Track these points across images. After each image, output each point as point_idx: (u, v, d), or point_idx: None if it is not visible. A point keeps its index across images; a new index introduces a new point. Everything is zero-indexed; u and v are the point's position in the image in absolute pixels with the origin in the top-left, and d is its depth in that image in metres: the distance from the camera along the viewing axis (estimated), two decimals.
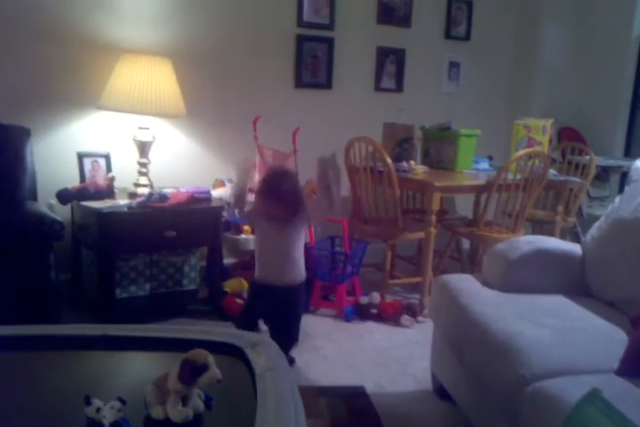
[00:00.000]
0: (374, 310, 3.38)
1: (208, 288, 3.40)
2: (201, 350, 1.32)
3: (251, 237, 3.40)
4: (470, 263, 4.15)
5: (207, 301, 3.34)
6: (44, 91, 3.25)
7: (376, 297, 3.43)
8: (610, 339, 1.85)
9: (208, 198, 3.30)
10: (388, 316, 3.34)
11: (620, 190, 3.77)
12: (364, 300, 3.42)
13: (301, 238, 2.60)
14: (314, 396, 2.44)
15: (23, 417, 1.31)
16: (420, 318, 3.34)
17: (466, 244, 4.29)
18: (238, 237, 3.42)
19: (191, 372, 1.28)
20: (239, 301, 3.27)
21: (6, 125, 2.94)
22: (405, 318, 3.29)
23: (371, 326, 3.30)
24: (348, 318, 3.32)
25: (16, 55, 3.15)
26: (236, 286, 3.35)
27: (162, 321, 3.09)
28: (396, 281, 3.74)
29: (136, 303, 3.21)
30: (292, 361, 2.70)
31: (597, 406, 1.34)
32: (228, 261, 3.61)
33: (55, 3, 3.19)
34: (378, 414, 2.36)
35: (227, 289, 3.31)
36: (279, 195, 2.45)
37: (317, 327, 3.22)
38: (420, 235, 3.47)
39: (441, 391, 2.45)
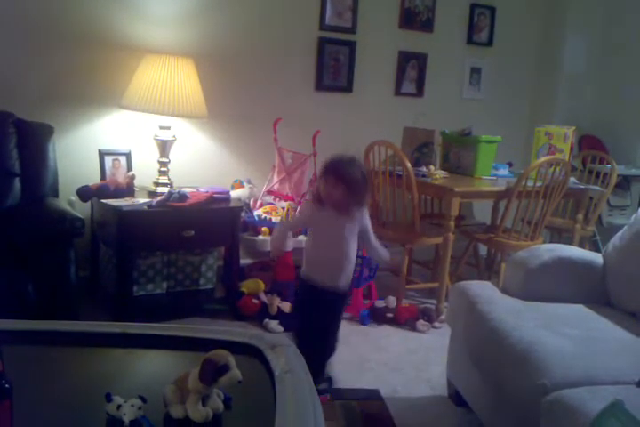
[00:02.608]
0: (390, 315, 3.37)
1: (225, 288, 3.41)
2: (222, 351, 1.32)
3: (267, 238, 3.40)
4: (487, 270, 4.12)
5: (223, 300, 3.35)
6: (68, 89, 3.28)
7: (392, 301, 3.42)
8: (631, 350, 1.83)
9: (227, 199, 3.31)
10: (403, 320, 3.33)
11: None
12: (379, 304, 3.42)
13: (356, 237, 2.31)
14: (328, 398, 2.44)
15: (44, 413, 1.32)
16: (436, 324, 3.33)
17: (483, 250, 4.27)
18: (255, 238, 3.42)
19: (212, 372, 1.28)
20: (255, 301, 3.28)
21: (30, 123, 2.96)
22: (421, 323, 3.28)
23: (386, 330, 3.29)
24: (363, 322, 3.32)
25: (41, 55, 3.18)
26: (253, 286, 3.36)
27: (178, 319, 3.11)
28: (413, 286, 3.73)
29: (153, 301, 3.22)
30: (330, 381, 2.49)
31: (619, 417, 1.33)
32: (244, 261, 3.61)
33: (80, 4, 3.22)
34: (392, 418, 2.35)
35: (243, 289, 3.32)
36: (345, 177, 2.19)
37: None
38: (438, 240, 3.46)
39: (457, 397, 2.44)
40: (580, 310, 2.21)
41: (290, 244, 2.38)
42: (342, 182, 2.19)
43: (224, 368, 1.29)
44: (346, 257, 2.29)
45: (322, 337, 2.35)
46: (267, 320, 3.16)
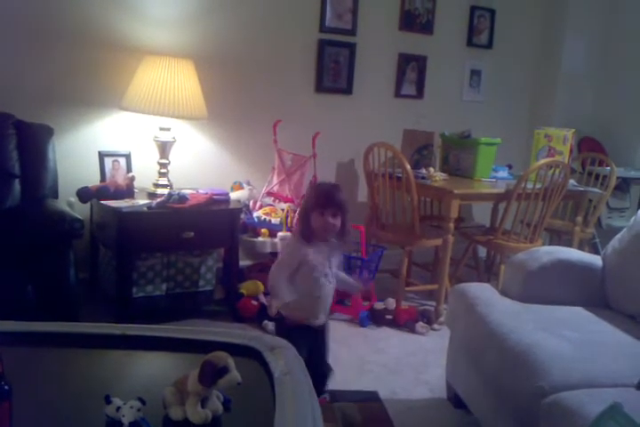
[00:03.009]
0: (389, 316, 3.37)
1: (224, 290, 3.41)
2: (221, 353, 1.32)
3: (267, 239, 3.41)
4: (486, 272, 4.12)
5: (223, 302, 3.36)
6: (68, 91, 3.28)
7: (391, 303, 3.42)
8: (630, 353, 1.83)
9: (226, 200, 3.31)
10: (403, 322, 3.33)
11: None
12: (379, 305, 3.43)
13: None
14: (327, 400, 2.44)
15: (43, 414, 1.32)
16: (435, 326, 3.33)
17: (482, 252, 4.27)
18: (255, 239, 3.42)
19: (211, 374, 1.28)
20: (254, 303, 3.28)
21: (30, 124, 2.97)
22: (421, 325, 3.28)
23: (386, 331, 3.29)
24: (363, 324, 3.32)
25: (41, 56, 3.18)
26: (252, 288, 3.36)
27: (177, 321, 3.11)
28: (412, 288, 3.73)
29: (152, 303, 3.22)
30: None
31: (618, 420, 1.33)
32: (244, 263, 3.61)
33: (80, 5, 3.22)
34: (391, 421, 2.35)
35: (242, 291, 3.32)
36: (343, 205, 2.12)
37: (332, 332, 3.17)
38: (438, 242, 3.46)
39: (456, 400, 2.44)
40: (579, 312, 2.21)
41: (289, 293, 2.17)
42: (341, 211, 2.12)
43: (223, 370, 1.29)
44: (330, 294, 2.23)
45: (312, 366, 2.29)
46: (266, 322, 3.16)
